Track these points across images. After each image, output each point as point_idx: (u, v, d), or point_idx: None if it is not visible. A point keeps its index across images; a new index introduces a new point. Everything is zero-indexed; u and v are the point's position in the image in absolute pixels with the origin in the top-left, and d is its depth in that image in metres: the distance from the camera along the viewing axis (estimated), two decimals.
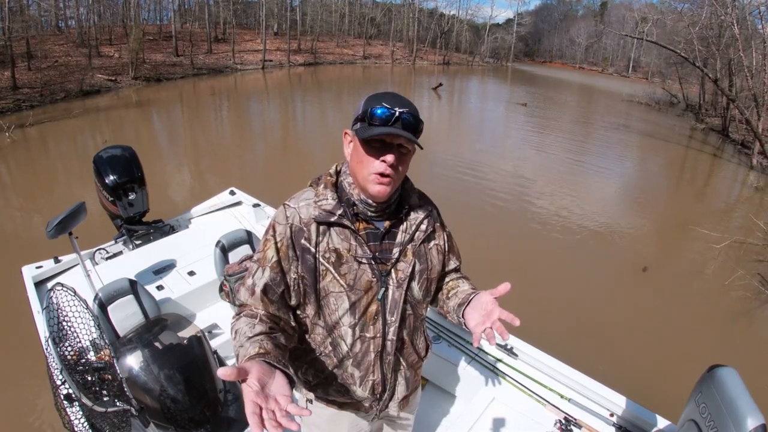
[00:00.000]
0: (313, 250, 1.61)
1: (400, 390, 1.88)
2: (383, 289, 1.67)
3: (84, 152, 13.63)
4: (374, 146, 1.53)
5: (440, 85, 32.51)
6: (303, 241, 1.61)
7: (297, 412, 1.12)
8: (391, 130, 1.48)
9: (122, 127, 16.74)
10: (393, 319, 1.71)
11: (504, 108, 28.16)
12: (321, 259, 1.62)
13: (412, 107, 1.54)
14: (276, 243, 1.63)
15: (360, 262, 1.63)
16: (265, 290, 1.63)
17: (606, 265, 8.24)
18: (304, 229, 1.61)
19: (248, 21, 49.39)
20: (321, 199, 1.64)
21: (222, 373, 1.12)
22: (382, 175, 1.54)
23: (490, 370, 3.22)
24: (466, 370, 3.28)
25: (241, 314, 1.62)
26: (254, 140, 16.25)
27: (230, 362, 3.48)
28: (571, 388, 3.03)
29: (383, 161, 1.52)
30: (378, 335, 1.71)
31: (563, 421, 2.81)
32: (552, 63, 74.39)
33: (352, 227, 1.62)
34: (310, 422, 2.02)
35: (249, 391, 1.12)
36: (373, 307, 1.68)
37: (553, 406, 2.91)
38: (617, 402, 2.82)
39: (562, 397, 2.98)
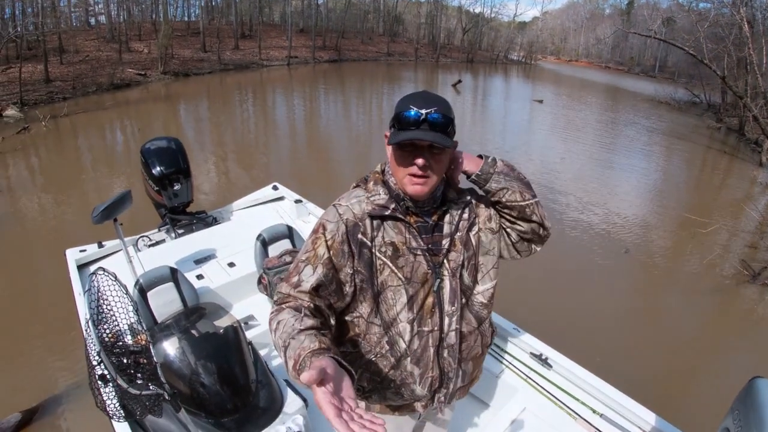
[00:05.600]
0: (369, 244, 1.63)
1: (457, 383, 1.87)
2: (438, 280, 1.67)
3: (119, 141, 14.31)
4: (406, 149, 1.56)
5: (459, 81, 32.50)
6: (360, 235, 1.63)
7: (370, 420, 1.10)
8: (414, 135, 1.50)
9: (157, 119, 17.08)
10: (454, 308, 1.72)
11: (522, 105, 28.22)
12: (378, 253, 1.64)
13: (441, 105, 1.55)
14: (326, 241, 1.64)
15: (415, 254, 1.64)
16: (317, 287, 1.61)
17: (629, 270, 8.19)
18: (359, 224, 1.63)
19: (274, 18, 49.61)
20: (373, 195, 1.67)
21: (305, 378, 1.09)
22: (415, 176, 1.56)
23: (523, 379, 3.18)
24: (498, 378, 3.26)
25: (283, 306, 1.57)
26: (292, 137, 16.39)
27: (263, 352, 3.51)
28: (603, 403, 2.97)
29: (415, 164, 1.53)
30: (435, 328, 1.71)
31: None
32: (578, 62, 73.75)
33: (406, 220, 1.64)
34: None
35: (325, 395, 1.09)
36: (430, 300, 1.68)
37: (584, 420, 2.86)
38: (650, 420, 2.75)
39: (594, 411, 2.92)
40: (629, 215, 10.49)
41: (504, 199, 1.69)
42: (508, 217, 1.76)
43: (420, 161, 1.52)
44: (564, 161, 14.71)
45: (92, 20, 33.34)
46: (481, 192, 1.78)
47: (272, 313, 1.60)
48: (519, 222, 1.75)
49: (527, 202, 1.70)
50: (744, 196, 13.03)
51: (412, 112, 1.50)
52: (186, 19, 39.61)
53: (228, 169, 11.96)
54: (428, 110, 1.50)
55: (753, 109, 16.88)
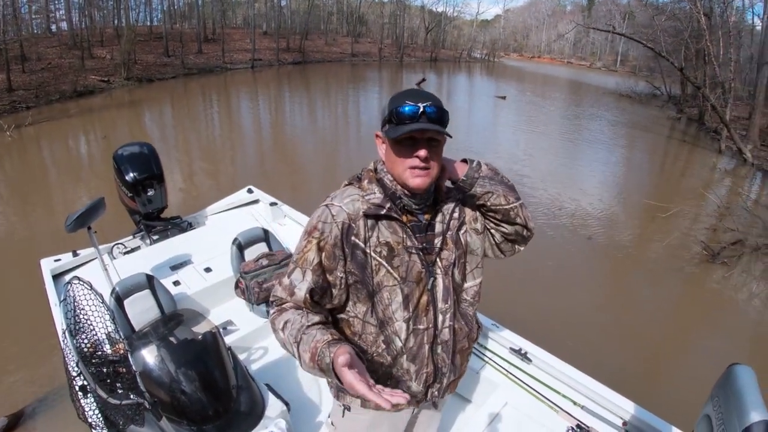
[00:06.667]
0: (363, 245, 1.63)
1: (450, 377, 1.89)
2: (432, 278, 1.70)
3: (86, 150, 14.31)
4: (405, 144, 1.57)
5: (423, 80, 32.53)
6: (353, 238, 1.63)
7: (392, 392, 1.26)
8: (418, 126, 1.52)
9: (122, 126, 16.85)
10: (447, 305, 1.75)
11: (485, 102, 28.74)
12: (373, 254, 1.64)
13: (435, 99, 1.57)
14: (318, 243, 1.64)
15: (410, 253, 1.66)
16: (311, 293, 1.64)
17: (596, 260, 8.40)
18: (353, 225, 1.63)
19: (237, 21, 49.32)
20: (368, 194, 1.67)
21: (342, 363, 1.29)
22: (417, 168, 1.57)
23: (504, 374, 3.19)
24: (479, 373, 3.26)
25: (284, 306, 1.65)
26: (259, 141, 16.35)
27: (242, 357, 3.50)
28: (584, 395, 2.99)
29: (417, 156, 1.55)
30: (430, 326, 1.74)
31: (575, 429, 2.77)
32: (540, 58, 74.57)
33: (401, 219, 1.65)
34: (346, 430, 2.02)
35: (355, 375, 1.26)
36: (425, 298, 1.71)
37: (566, 412, 2.87)
38: (630, 410, 2.78)
39: (575, 404, 2.93)
40: (595, 206, 10.78)
41: (489, 203, 1.71)
42: (492, 219, 1.79)
43: (422, 152, 1.54)
44: (529, 157, 14.96)
45: (53, 27, 32.78)
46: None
47: (273, 313, 1.66)
48: (503, 224, 1.78)
49: (511, 206, 1.72)
50: (704, 182, 13.48)
51: (410, 107, 1.52)
52: (148, 23, 39.08)
53: (196, 174, 11.84)
54: (425, 104, 1.52)
55: (711, 99, 17.34)
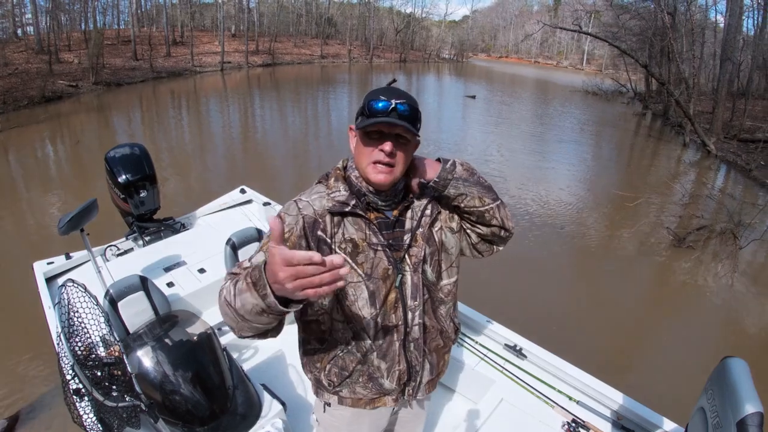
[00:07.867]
0: (329, 241, 1.63)
1: (425, 376, 1.89)
2: (400, 276, 1.69)
3: (59, 155, 13.99)
4: (373, 137, 1.58)
5: (394, 80, 32.59)
6: (319, 232, 1.63)
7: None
8: (386, 119, 1.52)
9: (92, 131, 16.59)
10: (416, 303, 1.74)
11: (455, 102, 28.97)
12: (337, 250, 1.63)
13: (409, 99, 1.58)
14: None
15: (375, 250, 1.65)
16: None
17: (571, 252, 8.51)
18: (319, 220, 1.63)
19: (205, 23, 48.98)
20: (333, 191, 1.67)
21: (272, 222, 1.17)
22: (381, 163, 1.57)
23: (499, 371, 3.20)
24: (474, 370, 3.27)
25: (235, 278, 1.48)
26: (231, 143, 16.17)
27: (237, 357, 3.52)
28: (579, 390, 3.02)
29: (381, 150, 1.55)
30: (400, 323, 1.73)
31: (571, 423, 2.80)
32: (508, 58, 75.29)
33: (366, 216, 1.64)
34: (329, 426, 2.02)
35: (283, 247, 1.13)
36: (392, 295, 1.70)
37: (561, 407, 2.90)
38: (625, 404, 2.82)
39: (570, 399, 2.96)
40: (566, 199, 11.02)
41: (462, 205, 1.71)
42: (468, 220, 1.79)
43: (387, 146, 1.54)
44: (501, 155, 15.10)
45: (20, 31, 32.17)
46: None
47: (223, 284, 1.47)
48: (478, 225, 1.78)
49: (486, 207, 1.71)
50: (670, 174, 13.89)
51: (382, 102, 1.53)
52: (116, 26, 38.59)
53: (172, 178, 11.69)
54: (398, 101, 1.54)
55: (675, 94, 17.76)
